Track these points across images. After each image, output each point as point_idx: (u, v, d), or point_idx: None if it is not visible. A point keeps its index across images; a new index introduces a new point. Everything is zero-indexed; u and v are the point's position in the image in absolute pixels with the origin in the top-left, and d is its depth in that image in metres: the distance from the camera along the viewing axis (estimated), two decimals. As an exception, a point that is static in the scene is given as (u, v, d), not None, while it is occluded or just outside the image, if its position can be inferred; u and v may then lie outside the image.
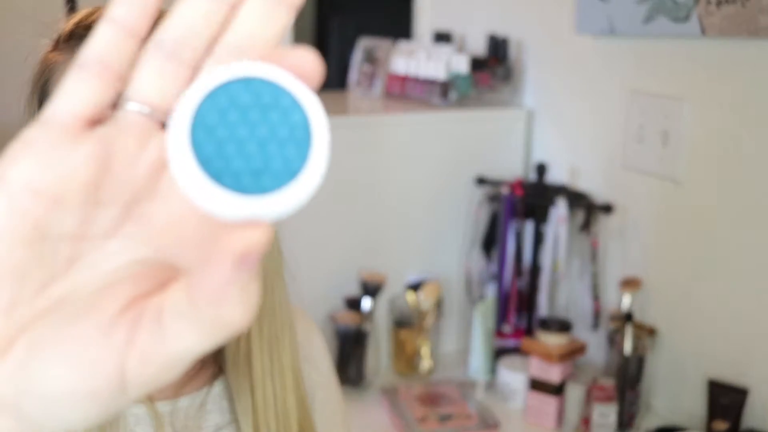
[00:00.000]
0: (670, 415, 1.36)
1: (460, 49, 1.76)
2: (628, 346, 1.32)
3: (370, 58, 1.80)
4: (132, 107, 0.28)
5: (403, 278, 1.54)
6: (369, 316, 1.46)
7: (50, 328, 0.27)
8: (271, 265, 0.74)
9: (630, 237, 1.44)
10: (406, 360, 1.53)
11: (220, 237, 0.24)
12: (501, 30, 1.69)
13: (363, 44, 1.84)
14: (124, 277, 0.28)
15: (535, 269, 1.51)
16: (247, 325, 0.25)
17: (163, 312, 0.26)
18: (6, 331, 0.27)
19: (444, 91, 1.60)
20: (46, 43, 0.69)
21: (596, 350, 1.46)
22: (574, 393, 1.35)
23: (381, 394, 1.44)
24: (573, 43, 1.53)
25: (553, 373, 1.34)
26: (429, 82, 1.63)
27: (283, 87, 0.24)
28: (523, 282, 1.52)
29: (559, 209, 1.45)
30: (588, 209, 1.46)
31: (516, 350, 1.48)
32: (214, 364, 0.76)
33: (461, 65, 1.59)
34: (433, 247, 1.59)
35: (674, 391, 1.37)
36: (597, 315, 1.46)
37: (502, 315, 1.52)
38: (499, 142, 1.63)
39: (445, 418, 1.36)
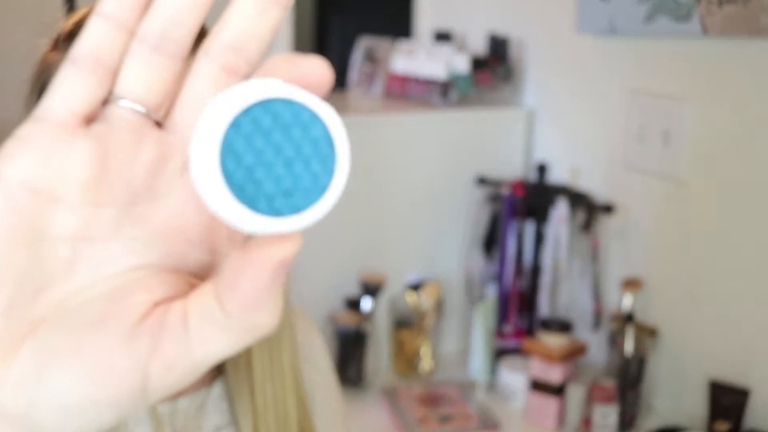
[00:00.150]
0: (671, 416, 1.36)
1: (461, 48, 1.76)
2: (629, 347, 1.32)
3: (370, 57, 1.80)
4: (124, 104, 0.27)
5: (404, 278, 1.54)
6: (369, 316, 1.46)
7: (62, 337, 0.26)
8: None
9: (631, 237, 1.44)
10: (406, 360, 1.53)
11: (250, 245, 0.25)
12: (501, 29, 1.69)
13: (363, 44, 1.84)
14: (135, 284, 0.27)
15: (536, 269, 1.50)
16: (274, 329, 0.26)
17: (189, 318, 0.26)
18: (5, 334, 0.26)
19: (444, 91, 1.59)
20: (45, 43, 0.69)
21: (597, 351, 1.46)
22: (575, 393, 1.34)
23: (381, 394, 1.44)
24: (574, 43, 1.53)
25: (553, 374, 1.34)
26: (429, 82, 1.62)
27: (300, 102, 0.25)
28: (524, 282, 1.51)
29: (560, 209, 1.45)
30: (589, 209, 1.46)
31: (516, 351, 1.48)
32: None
33: (461, 65, 1.59)
34: (434, 247, 1.59)
35: (675, 391, 1.36)
36: (598, 315, 1.46)
37: (502, 315, 1.52)
38: (500, 141, 1.63)
39: (445, 419, 1.36)
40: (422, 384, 1.48)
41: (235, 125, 0.24)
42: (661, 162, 1.36)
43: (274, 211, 0.24)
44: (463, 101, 1.61)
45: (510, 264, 1.51)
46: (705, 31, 1.23)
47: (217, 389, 0.76)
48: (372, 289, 1.45)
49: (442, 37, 1.77)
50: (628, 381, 1.32)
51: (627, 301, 1.34)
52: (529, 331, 1.50)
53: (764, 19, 1.14)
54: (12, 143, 0.27)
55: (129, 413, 0.26)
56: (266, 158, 0.24)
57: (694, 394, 1.32)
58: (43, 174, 0.26)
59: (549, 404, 1.34)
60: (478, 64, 1.61)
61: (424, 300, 1.50)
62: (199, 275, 0.29)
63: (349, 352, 1.45)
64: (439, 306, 1.53)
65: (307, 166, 0.25)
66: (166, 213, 0.28)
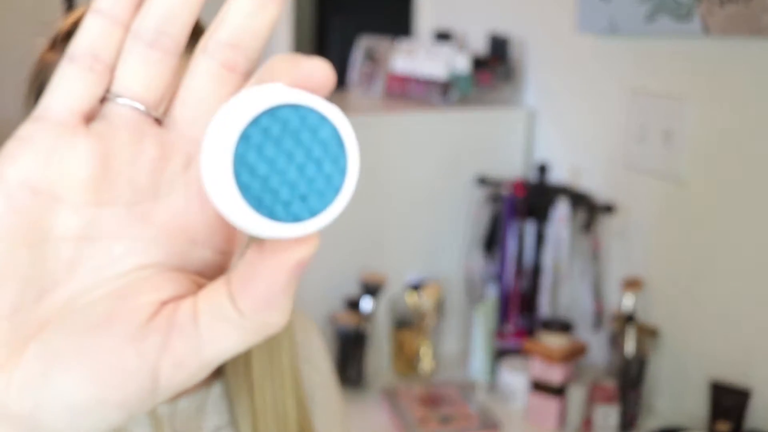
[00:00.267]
0: (672, 416, 1.35)
1: (461, 48, 1.75)
2: (629, 347, 1.31)
3: (371, 57, 1.80)
4: (123, 102, 0.27)
5: (404, 279, 1.53)
6: (369, 316, 1.46)
7: (67, 338, 0.26)
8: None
9: (632, 237, 1.43)
10: (406, 361, 1.52)
11: (266, 246, 0.25)
12: (502, 29, 1.69)
13: (363, 43, 1.84)
14: (141, 283, 0.27)
15: (537, 270, 1.50)
16: (282, 328, 0.26)
17: (199, 316, 0.26)
18: (9, 337, 0.26)
19: (444, 91, 1.59)
20: (42, 43, 0.69)
21: (598, 351, 1.46)
22: (576, 394, 1.34)
23: (381, 395, 1.44)
24: (574, 43, 1.53)
25: (554, 374, 1.33)
26: (429, 82, 1.62)
27: (305, 106, 0.25)
28: (524, 282, 1.51)
29: (561, 209, 1.45)
30: (589, 209, 1.46)
31: (517, 351, 1.47)
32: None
33: (462, 65, 1.59)
34: (434, 247, 1.59)
35: (676, 392, 1.36)
36: (598, 316, 1.46)
37: (503, 315, 1.52)
38: (500, 141, 1.63)
39: (445, 420, 1.36)
40: (422, 384, 1.48)
41: (245, 137, 0.24)
42: (661, 162, 1.36)
43: (293, 217, 0.25)
44: (464, 101, 1.61)
45: (510, 264, 1.51)
46: (706, 30, 1.22)
47: (216, 390, 0.76)
48: (372, 289, 1.45)
49: (443, 36, 1.77)
50: (629, 381, 1.31)
51: (628, 302, 1.34)
52: (529, 332, 1.50)
53: (765, 18, 1.13)
54: (12, 143, 0.26)
55: (137, 413, 0.26)
56: (279, 166, 0.24)
57: (695, 394, 1.32)
58: (44, 174, 0.26)
59: (549, 405, 1.34)
60: (479, 63, 1.61)
61: (425, 300, 1.50)
62: (203, 273, 0.29)
63: (349, 353, 1.44)
64: (440, 306, 1.53)
65: (320, 167, 0.25)
66: (168, 212, 0.28)
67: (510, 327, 1.51)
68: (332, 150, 0.25)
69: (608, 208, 1.44)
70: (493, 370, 1.49)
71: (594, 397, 1.31)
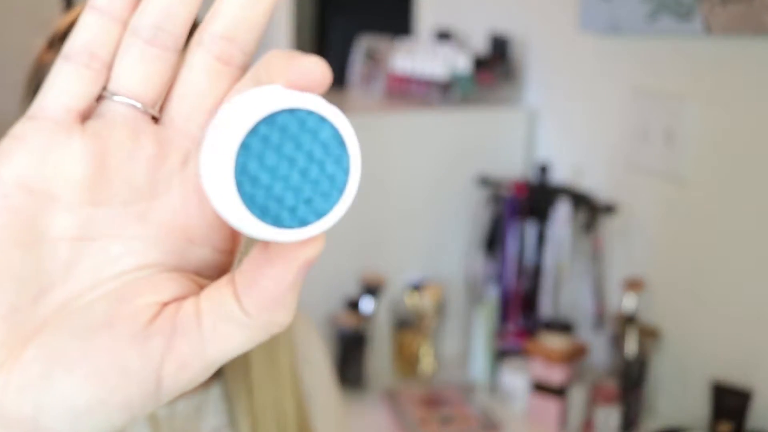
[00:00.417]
0: (674, 417, 1.35)
1: (462, 47, 1.75)
2: (631, 348, 1.31)
3: (371, 57, 1.79)
4: (120, 100, 0.27)
5: (404, 279, 1.53)
6: (369, 317, 1.45)
7: (67, 339, 0.26)
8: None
9: (633, 237, 1.43)
10: (406, 362, 1.52)
11: (272, 246, 0.25)
12: (503, 28, 1.68)
13: (363, 43, 1.83)
14: (140, 284, 0.27)
15: (537, 270, 1.49)
16: (286, 327, 0.26)
17: (202, 316, 0.25)
18: (6, 338, 0.25)
19: (445, 91, 1.59)
20: (40, 43, 0.68)
21: (599, 352, 1.45)
22: (577, 395, 1.34)
23: (381, 396, 1.43)
24: (576, 42, 1.52)
25: (555, 375, 1.33)
26: (430, 82, 1.62)
27: (303, 109, 0.24)
28: (525, 283, 1.51)
29: (562, 209, 1.44)
30: (591, 209, 1.45)
31: (518, 352, 1.47)
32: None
33: (463, 64, 1.58)
34: (435, 247, 1.58)
35: (678, 392, 1.36)
36: (600, 316, 1.45)
37: (503, 316, 1.51)
38: (501, 141, 1.62)
39: (446, 421, 1.35)
40: (423, 385, 1.48)
41: (245, 147, 0.24)
42: (663, 161, 1.35)
43: (299, 221, 0.25)
44: (464, 101, 1.61)
45: (511, 264, 1.50)
46: (708, 30, 1.22)
47: (215, 391, 0.76)
48: (372, 289, 1.45)
49: (443, 36, 1.76)
50: (630, 382, 1.31)
51: (629, 302, 1.33)
52: (530, 332, 1.50)
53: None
54: (7, 142, 0.26)
55: (140, 414, 0.26)
56: (281, 173, 0.24)
57: (696, 395, 1.31)
58: (40, 173, 0.25)
59: (550, 406, 1.34)
60: (480, 63, 1.61)
61: (425, 301, 1.49)
62: (202, 272, 0.28)
63: (349, 353, 1.44)
64: (440, 307, 1.53)
65: (322, 169, 0.25)
66: (166, 210, 0.27)
67: (511, 327, 1.51)
68: (333, 150, 0.25)
69: (609, 208, 1.44)
70: (494, 371, 1.48)
71: (595, 397, 1.30)
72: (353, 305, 1.45)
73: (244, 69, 0.28)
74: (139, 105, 0.27)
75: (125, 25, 0.27)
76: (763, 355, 1.21)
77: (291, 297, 0.25)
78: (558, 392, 1.33)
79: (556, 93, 1.60)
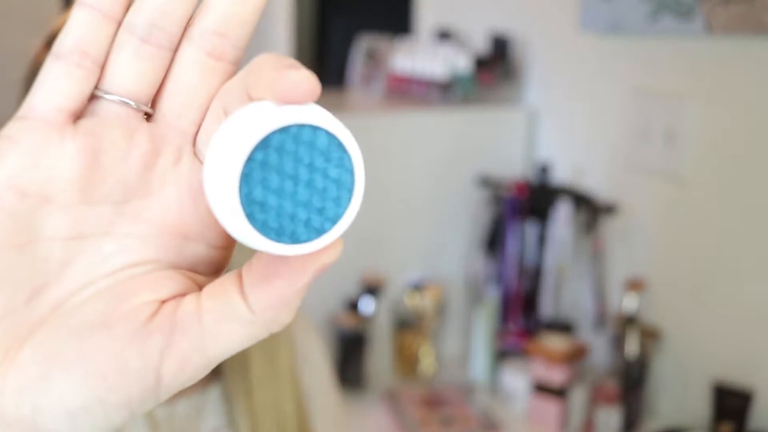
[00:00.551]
0: (675, 418, 1.35)
1: (462, 47, 1.75)
2: (632, 348, 1.31)
3: (371, 56, 1.79)
4: (113, 98, 0.26)
5: (404, 279, 1.53)
6: (369, 317, 1.45)
7: (64, 339, 0.25)
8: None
9: (634, 238, 1.43)
10: (407, 362, 1.52)
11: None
12: (503, 28, 1.68)
13: (363, 43, 1.83)
14: (137, 282, 0.26)
15: (538, 270, 1.49)
16: (288, 325, 0.26)
17: (203, 313, 0.25)
18: (2, 339, 0.25)
19: (445, 90, 1.58)
20: (37, 43, 0.68)
21: (600, 352, 1.45)
22: (578, 395, 1.34)
23: (382, 396, 1.43)
24: (576, 41, 1.52)
25: (556, 376, 1.33)
26: (430, 82, 1.61)
27: (297, 123, 0.24)
28: (526, 283, 1.50)
29: (562, 209, 1.44)
30: (591, 210, 1.45)
31: (518, 352, 1.47)
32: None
33: (463, 64, 1.58)
34: (435, 247, 1.58)
35: (679, 393, 1.35)
36: (600, 316, 1.45)
37: (504, 316, 1.51)
38: (502, 141, 1.62)
39: (446, 421, 1.35)
40: (423, 386, 1.47)
41: (245, 177, 0.24)
42: (664, 162, 1.35)
43: (315, 232, 0.25)
44: (465, 101, 1.60)
45: (512, 265, 1.50)
46: (709, 29, 1.22)
47: (214, 391, 0.76)
48: (372, 289, 1.45)
49: (443, 36, 1.76)
50: (631, 383, 1.31)
51: (630, 302, 1.33)
52: (530, 333, 1.49)
53: (769, 17, 1.12)
54: None
55: (140, 412, 0.26)
56: (287, 191, 0.24)
57: (697, 395, 1.31)
58: (32, 174, 0.25)
59: (551, 406, 1.33)
60: (480, 63, 1.60)
61: (425, 301, 1.49)
62: (197, 269, 0.28)
63: (350, 354, 1.44)
64: (440, 307, 1.52)
65: (326, 176, 0.25)
66: (159, 208, 0.27)
67: (511, 328, 1.51)
68: (333, 154, 0.25)
69: (610, 209, 1.43)
70: (494, 372, 1.48)
71: (596, 398, 1.30)
72: (353, 305, 1.45)
73: (236, 64, 0.27)
74: (132, 103, 0.27)
75: (117, 22, 0.26)
76: (763, 355, 1.21)
77: (299, 298, 0.26)
78: (558, 393, 1.33)
79: (557, 93, 1.59)
